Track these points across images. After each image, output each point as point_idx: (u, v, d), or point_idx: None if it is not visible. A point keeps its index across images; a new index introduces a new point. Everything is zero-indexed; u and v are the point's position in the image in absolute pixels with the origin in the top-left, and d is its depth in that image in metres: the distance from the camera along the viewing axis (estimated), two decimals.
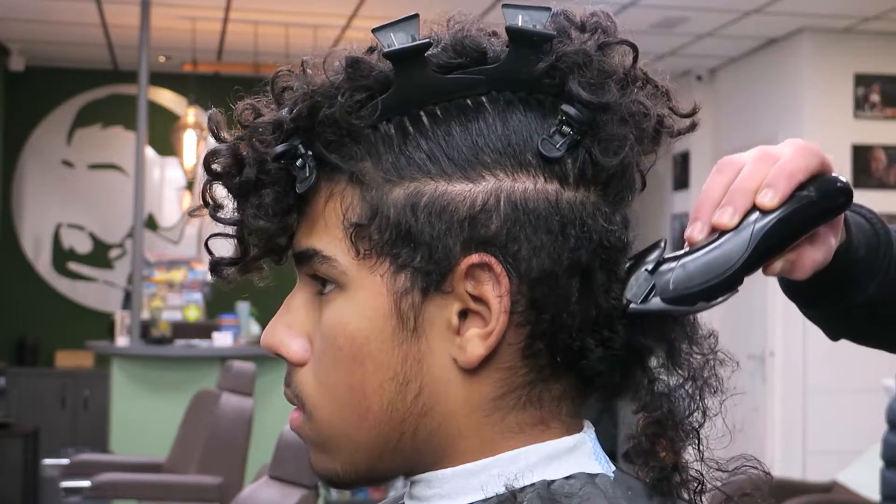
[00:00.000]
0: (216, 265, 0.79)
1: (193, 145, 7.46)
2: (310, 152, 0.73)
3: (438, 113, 0.73)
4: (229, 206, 0.77)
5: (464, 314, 0.72)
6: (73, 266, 8.55)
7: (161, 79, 8.29)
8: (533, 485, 0.72)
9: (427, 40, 0.72)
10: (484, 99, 0.73)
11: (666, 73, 0.78)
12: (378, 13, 6.51)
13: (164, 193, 8.68)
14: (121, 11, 6.73)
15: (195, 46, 7.39)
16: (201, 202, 0.78)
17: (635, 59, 0.76)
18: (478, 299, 0.72)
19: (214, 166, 0.75)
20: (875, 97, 6.58)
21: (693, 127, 0.78)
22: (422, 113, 0.73)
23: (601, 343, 0.74)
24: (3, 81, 8.11)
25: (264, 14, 6.75)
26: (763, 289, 6.78)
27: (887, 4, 6.09)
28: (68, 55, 8.08)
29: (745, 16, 6.32)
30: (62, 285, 8.53)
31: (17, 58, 7.93)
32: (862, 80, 6.57)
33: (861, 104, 6.57)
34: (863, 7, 6.16)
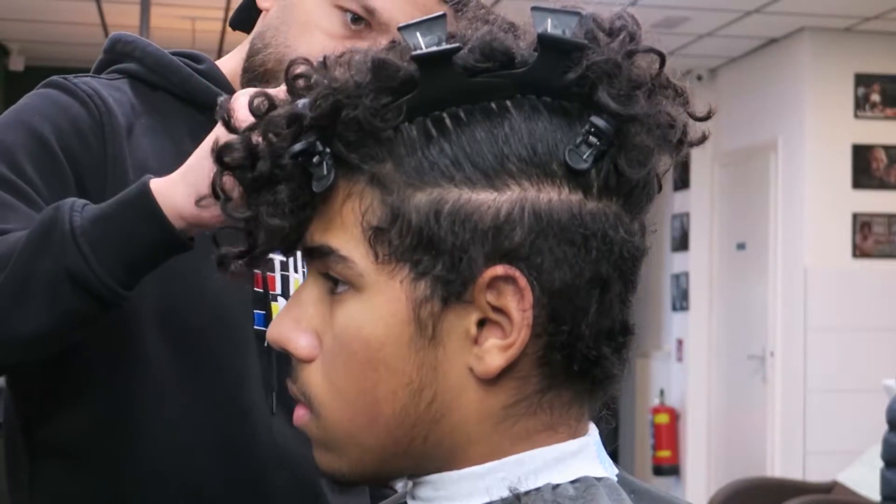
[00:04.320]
0: (223, 259, 0.78)
1: None
2: (328, 150, 0.72)
3: (462, 116, 0.71)
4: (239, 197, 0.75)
5: (482, 323, 0.71)
6: None
7: None
8: (538, 489, 0.72)
9: (457, 45, 0.71)
10: (509, 103, 0.72)
11: (668, 71, 0.77)
12: None
13: None
14: (121, 11, 6.72)
15: (195, 46, 7.36)
16: (210, 193, 0.76)
17: (662, 66, 0.75)
18: (498, 310, 0.71)
19: (227, 160, 0.74)
20: (875, 97, 6.58)
21: (704, 139, 0.78)
22: (445, 115, 0.71)
23: (616, 350, 0.74)
24: (3, 81, 8.10)
25: None
26: (763, 289, 6.78)
27: (887, 4, 6.09)
28: (68, 55, 8.07)
29: (746, 16, 6.32)
30: None
31: (17, 57, 7.92)
32: (862, 80, 6.57)
33: (861, 104, 6.56)
34: (863, 7, 6.16)
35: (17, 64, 7.96)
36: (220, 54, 7.83)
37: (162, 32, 7.04)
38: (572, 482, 0.72)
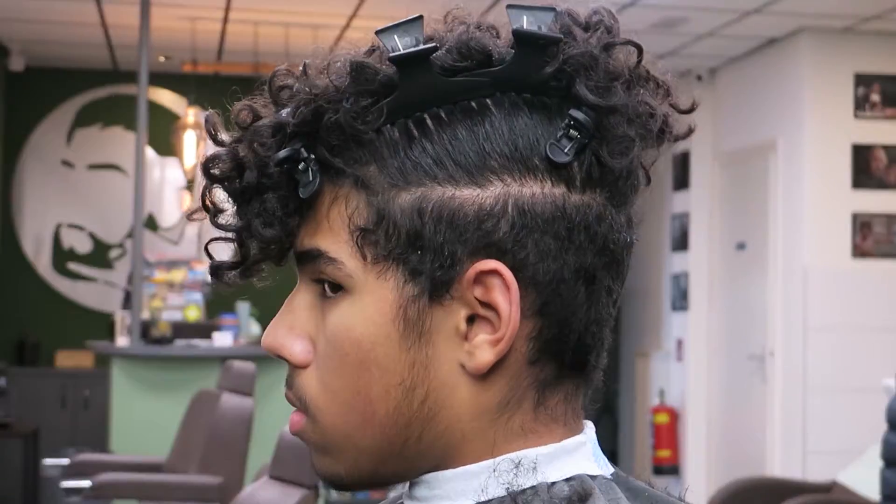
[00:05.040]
0: (216, 270, 0.78)
1: (193, 145, 7.46)
2: (312, 156, 0.72)
3: (443, 116, 0.72)
4: (229, 209, 0.76)
5: (471, 319, 0.72)
6: (73, 266, 8.55)
7: (161, 79, 8.28)
8: (534, 487, 0.72)
9: (433, 45, 0.72)
10: (489, 101, 0.72)
11: (668, 72, 0.77)
12: (378, 13, 6.50)
13: (164, 193, 8.68)
14: (121, 11, 6.73)
15: (195, 46, 7.38)
16: (200, 205, 0.77)
17: (640, 58, 0.75)
18: (486, 305, 0.71)
19: (214, 171, 0.74)
20: (875, 97, 6.58)
21: (690, 132, 0.78)
22: (426, 116, 0.72)
23: (603, 342, 0.75)
24: (3, 81, 8.11)
25: (264, 14, 6.75)
26: (763, 289, 6.78)
27: (887, 4, 6.09)
28: (68, 55, 8.08)
29: (745, 16, 6.32)
30: (62, 285, 8.52)
31: (17, 58, 7.93)
32: (862, 80, 6.57)
33: (861, 104, 6.57)
34: (863, 7, 6.16)
35: (17, 64, 7.96)
36: (220, 54, 7.85)
37: (162, 32, 7.04)
38: (567, 480, 0.72)
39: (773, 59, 6.89)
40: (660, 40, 6.75)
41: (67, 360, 8.19)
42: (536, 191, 0.71)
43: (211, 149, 0.76)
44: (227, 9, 6.69)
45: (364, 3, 6.38)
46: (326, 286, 0.74)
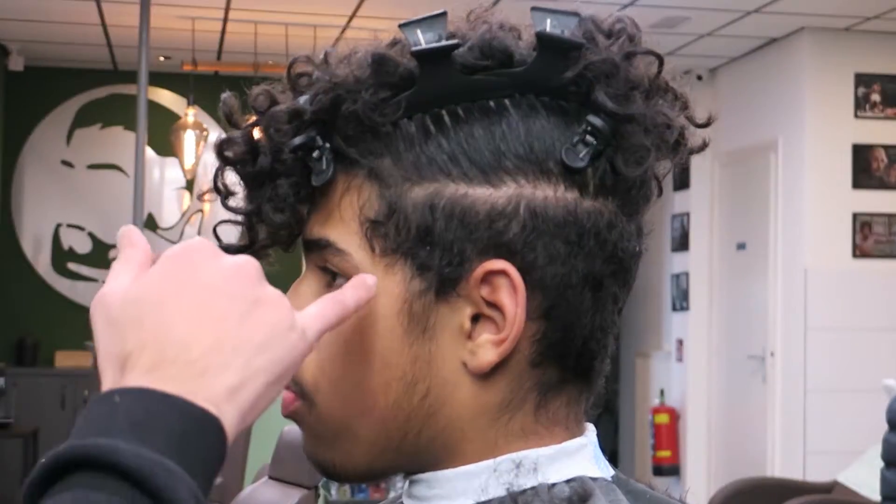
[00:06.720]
0: (224, 252, 0.78)
1: (193, 145, 7.46)
2: (327, 144, 0.72)
3: (461, 113, 0.72)
4: (240, 192, 0.76)
5: (475, 318, 0.72)
6: (73, 266, 8.55)
7: (161, 79, 8.28)
8: (534, 487, 0.72)
9: (456, 41, 0.72)
10: (507, 102, 0.72)
11: (669, 72, 0.77)
12: (378, 13, 6.50)
13: (164, 193, 8.68)
14: (120, 11, 6.72)
15: (195, 46, 7.38)
16: (212, 187, 0.77)
17: (660, 68, 0.75)
18: (492, 305, 0.71)
19: (228, 153, 0.74)
20: (875, 97, 6.58)
21: (705, 146, 0.78)
22: (444, 112, 0.72)
23: (607, 349, 0.75)
24: (3, 81, 8.11)
25: (264, 14, 6.75)
26: (763, 289, 6.78)
27: (887, 4, 6.09)
28: (68, 55, 8.08)
29: (745, 16, 6.32)
30: (62, 285, 8.52)
31: (17, 58, 7.92)
32: (862, 80, 6.57)
33: (861, 104, 6.57)
34: (863, 7, 6.16)
35: (17, 64, 7.96)
36: (219, 54, 7.84)
37: (162, 32, 7.04)
38: (568, 481, 0.72)
39: (774, 59, 6.89)
40: (660, 40, 6.72)
41: (67, 360, 8.18)
42: (549, 194, 0.71)
43: (224, 134, 0.76)
44: (227, 9, 6.69)
45: (364, 3, 6.37)
46: (333, 275, 0.74)
